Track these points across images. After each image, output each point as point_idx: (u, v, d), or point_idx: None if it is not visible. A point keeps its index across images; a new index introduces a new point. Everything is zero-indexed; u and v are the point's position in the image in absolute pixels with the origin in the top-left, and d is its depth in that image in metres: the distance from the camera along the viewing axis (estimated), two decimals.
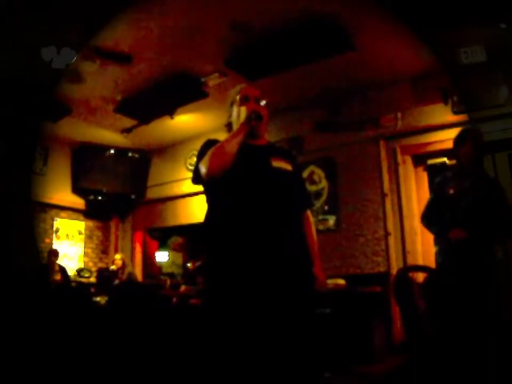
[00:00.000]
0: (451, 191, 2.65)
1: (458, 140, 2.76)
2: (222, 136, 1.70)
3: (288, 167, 1.72)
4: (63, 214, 5.95)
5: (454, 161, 4.20)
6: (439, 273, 2.73)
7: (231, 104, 1.82)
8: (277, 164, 1.69)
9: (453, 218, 2.61)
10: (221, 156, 1.57)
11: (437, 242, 2.79)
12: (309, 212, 1.82)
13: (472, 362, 2.45)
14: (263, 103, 1.79)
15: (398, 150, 4.45)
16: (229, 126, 1.82)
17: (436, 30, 3.37)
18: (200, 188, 1.74)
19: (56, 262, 5.25)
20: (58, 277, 5.14)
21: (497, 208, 2.59)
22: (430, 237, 3.65)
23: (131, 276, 5.29)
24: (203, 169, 1.59)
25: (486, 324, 2.48)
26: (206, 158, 1.59)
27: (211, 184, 1.65)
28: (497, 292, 2.61)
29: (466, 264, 2.56)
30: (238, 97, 1.79)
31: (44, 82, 4.05)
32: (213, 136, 1.78)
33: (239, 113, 1.72)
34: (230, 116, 1.82)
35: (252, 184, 1.61)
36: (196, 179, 1.69)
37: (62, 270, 5.27)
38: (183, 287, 4.87)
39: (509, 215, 2.60)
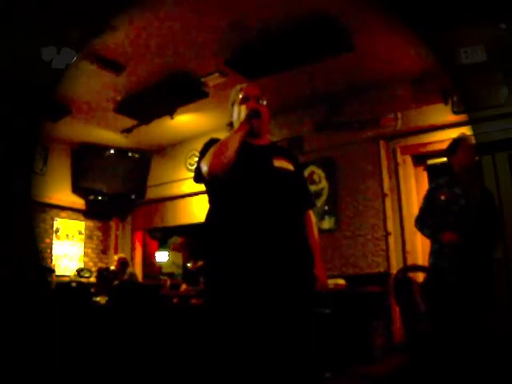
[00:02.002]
0: (442, 197, 2.81)
1: (450, 149, 2.91)
2: (223, 135, 1.70)
3: (290, 166, 1.72)
4: (63, 214, 5.95)
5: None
6: (432, 275, 2.84)
7: (232, 104, 1.82)
8: (278, 163, 1.69)
9: (444, 222, 2.74)
10: (222, 155, 1.57)
11: (431, 242, 2.92)
12: (311, 212, 1.82)
13: (468, 363, 2.47)
14: (264, 102, 1.79)
15: (398, 150, 4.44)
16: (231, 125, 1.83)
17: (436, 30, 3.37)
18: (200, 187, 1.75)
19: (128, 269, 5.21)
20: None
21: (486, 215, 2.73)
22: None
23: (131, 276, 5.29)
24: (204, 167, 1.59)
25: (476, 325, 2.52)
26: (207, 157, 1.59)
27: (212, 183, 1.65)
28: (489, 293, 2.68)
29: (457, 267, 2.67)
30: (238, 96, 1.79)
31: (43, 82, 4.06)
32: (213, 136, 1.79)
33: (240, 112, 1.72)
34: (231, 115, 1.82)
35: (253, 184, 1.61)
36: (198, 178, 1.69)
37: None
38: (183, 287, 4.87)
39: (495, 222, 2.78)
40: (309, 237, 1.73)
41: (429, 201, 2.92)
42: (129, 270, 5.31)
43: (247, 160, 1.61)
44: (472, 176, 2.86)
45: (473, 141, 2.94)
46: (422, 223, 2.94)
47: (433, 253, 2.85)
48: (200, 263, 5.18)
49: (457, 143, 2.90)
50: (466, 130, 3.99)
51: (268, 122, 1.79)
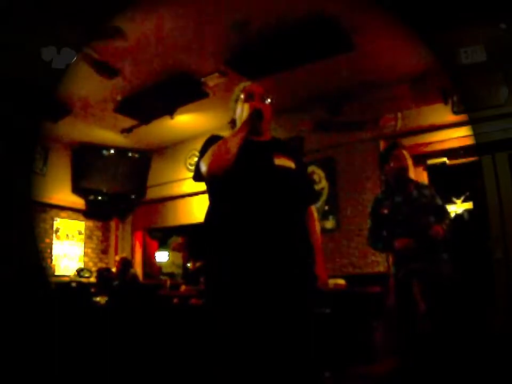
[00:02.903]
0: (385, 211, 2.84)
1: (382, 160, 2.95)
2: (224, 134, 1.69)
3: (291, 164, 1.71)
4: (63, 214, 5.95)
5: (453, 162, 4.25)
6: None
7: (236, 101, 1.81)
8: (279, 161, 1.68)
9: (394, 234, 2.76)
10: (222, 155, 1.56)
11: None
12: (313, 208, 1.80)
13: (468, 363, 2.48)
14: (268, 100, 1.78)
15: None
16: (232, 123, 1.82)
17: (435, 30, 3.37)
18: (200, 187, 1.75)
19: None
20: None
21: (431, 213, 2.77)
22: None
23: (134, 276, 5.28)
24: (203, 167, 1.58)
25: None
26: (207, 156, 1.58)
27: (212, 182, 1.65)
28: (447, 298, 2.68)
29: (416, 274, 2.70)
30: (242, 94, 1.78)
31: (44, 82, 4.05)
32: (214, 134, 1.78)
33: (243, 111, 1.71)
34: (234, 112, 1.81)
35: (252, 183, 1.61)
36: (197, 176, 1.68)
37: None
38: (183, 287, 4.87)
39: (443, 215, 2.78)
40: (311, 234, 1.72)
41: (374, 218, 2.94)
42: (132, 270, 5.31)
43: (247, 158, 1.60)
44: (407, 181, 2.89)
45: (402, 147, 2.95)
46: (373, 240, 2.96)
47: (393, 264, 2.94)
48: (199, 263, 5.18)
49: (387, 152, 2.94)
50: (466, 130, 4.01)
51: (270, 120, 1.78)
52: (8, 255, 4.57)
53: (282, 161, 1.68)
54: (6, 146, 4.78)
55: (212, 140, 1.69)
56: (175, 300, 4.35)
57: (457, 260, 2.76)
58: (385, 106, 4.50)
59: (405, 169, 2.86)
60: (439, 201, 2.89)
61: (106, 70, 3.99)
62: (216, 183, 1.63)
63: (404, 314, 2.87)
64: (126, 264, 5.18)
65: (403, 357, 2.89)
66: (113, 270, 5.32)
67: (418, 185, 2.93)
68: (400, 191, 2.85)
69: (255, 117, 1.66)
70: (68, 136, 5.72)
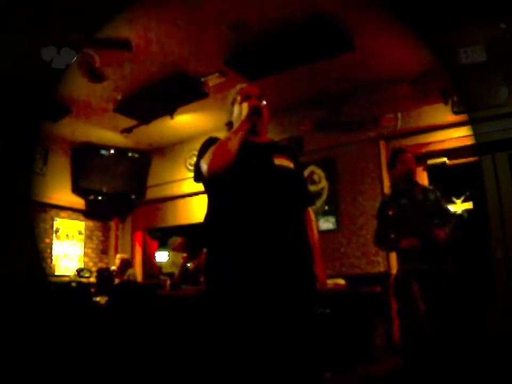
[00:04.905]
0: (390, 213, 2.97)
1: (389, 164, 3.12)
2: (223, 135, 1.69)
3: (290, 164, 1.72)
4: (63, 214, 5.95)
5: (453, 162, 4.26)
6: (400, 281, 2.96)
7: (232, 103, 1.82)
8: (278, 161, 1.68)
9: (398, 234, 2.87)
10: (223, 153, 1.56)
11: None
12: (310, 210, 1.82)
13: (467, 363, 2.49)
14: (264, 101, 1.79)
15: None
16: (229, 125, 1.83)
17: (435, 30, 3.37)
18: (200, 187, 1.74)
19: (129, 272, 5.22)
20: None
21: (435, 216, 2.87)
22: None
23: (130, 276, 5.29)
24: (204, 166, 1.58)
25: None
26: (208, 155, 1.58)
27: (212, 182, 1.65)
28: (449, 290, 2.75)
29: (416, 274, 2.78)
30: (238, 96, 1.79)
31: (43, 82, 4.05)
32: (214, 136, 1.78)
33: (241, 111, 1.72)
34: (231, 114, 1.82)
35: (252, 182, 1.61)
36: (197, 177, 1.68)
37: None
38: (183, 288, 4.86)
39: (447, 219, 2.88)
40: (309, 236, 1.73)
41: (380, 219, 3.07)
42: (129, 271, 5.31)
43: (246, 158, 1.61)
44: (414, 183, 3.02)
45: (408, 151, 3.11)
46: (379, 240, 3.10)
47: (399, 264, 3.04)
48: (194, 263, 5.18)
49: (394, 156, 3.08)
50: (466, 130, 4.01)
51: (267, 120, 1.79)
52: (8, 255, 4.57)
53: (281, 161, 1.69)
54: (6, 146, 4.78)
55: (210, 141, 1.69)
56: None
57: (459, 261, 2.79)
58: (385, 106, 4.50)
59: (412, 172, 3.00)
60: (444, 206, 3.00)
61: (93, 74, 3.99)
62: (216, 183, 1.63)
63: (404, 314, 2.88)
64: (125, 264, 5.18)
65: (403, 357, 2.90)
66: (113, 267, 5.32)
67: (424, 189, 3.03)
68: (406, 194, 2.95)
69: (255, 113, 1.67)
70: (68, 136, 5.72)
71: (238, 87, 1.85)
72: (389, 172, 3.15)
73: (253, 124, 1.67)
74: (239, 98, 1.78)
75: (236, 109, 1.78)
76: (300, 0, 3.24)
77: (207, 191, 1.72)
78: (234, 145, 1.57)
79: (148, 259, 6.66)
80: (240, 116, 1.72)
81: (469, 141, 3.99)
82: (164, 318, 3.70)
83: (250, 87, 1.83)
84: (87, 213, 6.23)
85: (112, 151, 5.98)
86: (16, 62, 3.72)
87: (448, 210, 3.02)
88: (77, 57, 3.66)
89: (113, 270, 5.26)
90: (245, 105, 1.70)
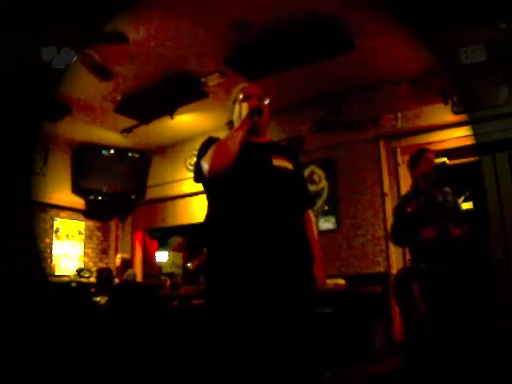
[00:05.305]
0: (409, 209, 3.03)
1: (412, 162, 3.17)
2: (223, 135, 1.69)
3: (289, 165, 1.72)
4: (63, 214, 5.95)
5: (453, 162, 4.26)
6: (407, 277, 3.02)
7: (233, 102, 1.82)
8: (277, 162, 1.68)
9: (417, 228, 2.89)
10: (224, 153, 1.56)
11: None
12: (310, 212, 1.82)
13: (467, 362, 2.49)
14: (266, 101, 1.79)
15: (398, 150, 4.44)
16: (230, 124, 1.83)
17: (436, 30, 3.37)
18: (200, 187, 1.74)
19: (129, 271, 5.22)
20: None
21: (452, 215, 2.94)
22: None
23: (129, 276, 5.28)
24: (205, 166, 1.58)
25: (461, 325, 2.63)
26: (208, 155, 1.58)
27: (212, 182, 1.64)
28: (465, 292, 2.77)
29: (435, 269, 2.80)
30: (240, 95, 1.79)
31: (43, 82, 4.05)
32: (213, 136, 1.78)
33: (241, 110, 1.72)
34: (232, 113, 1.82)
35: (252, 183, 1.61)
36: (198, 177, 1.68)
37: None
38: (183, 288, 4.87)
39: (462, 222, 2.92)
40: (308, 236, 1.73)
41: (398, 215, 3.13)
42: (129, 271, 5.31)
43: (246, 159, 1.60)
44: (433, 184, 3.08)
45: (432, 152, 3.20)
46: (395, 236, 3.15)
47: (412, 260, 3.09)
48: (194, 262, 5.18)
49: (419, 154, 3.15)
50: (466, 130, 4.01)
51: (268, 121, 1.79)
52: (8, 255, 4.57)
53: (280, 162, 1.69)
54: (6, 146, 4.78)
55: (210, 141, 1.69)
56: (175, 303, 4.32)
57: (465, 263, 2.83)
58: (385, 106, 4.50)
59: (435, 171, 3.09)
60: (461, 209, 3.10)
61: (102, 71, 3.99)
62: (216, 183, 1.62)
63: (404, 314, 2.88)
64: (125, 264, 5.18)
65: (403, 357, 2.90)
66: (115, 266, 5.32)
67: (443, 191, 3.09)
68: (427, 194, 3.02)
69: (255, 112, 1.67)
70: (68, 136, 5.72)
71: (240, 86, 1.85)
72: (410, 170, 3.22)
73: (252, 124, 1.67)
74: (240, 97, 1.79)
75: (237, 108, 1.78)
76: (300, 0, 3.24)
77: (206, 191, 1.72)
78: (234, 145, 1.57)
79: (148, 259, 6.66)
80: (240, 116, 1.72)
81: (469, 141, 4.00)
82: (164, 318, 3.70)
83: (251, 87, 1.83)
84: (87, 213, 6.23)
85: (112, 151, 5.98)
86: (16, 62, 3.72)
87: (465, 215, 3.09)
88: (80, 56, 3.67)
89: (114, 269, 5.26)
90: (245, 105, 1.71)
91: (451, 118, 4.13)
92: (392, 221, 3.23)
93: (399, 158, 4.43)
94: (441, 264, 2.79)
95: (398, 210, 3.16)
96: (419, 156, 3.14)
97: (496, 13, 3.21)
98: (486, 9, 3.16)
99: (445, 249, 2.80)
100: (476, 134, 3.92)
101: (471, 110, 3.97)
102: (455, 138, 4.09)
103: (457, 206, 3.07)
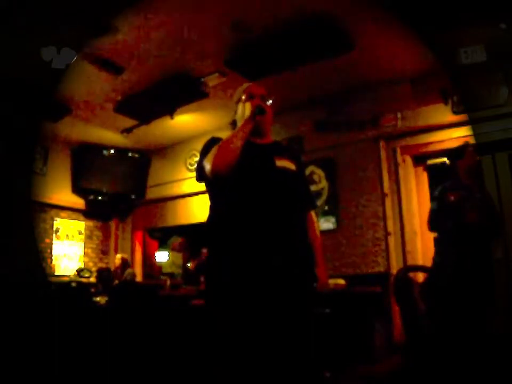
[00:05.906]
0: (452, 198, 2.96)
1: (457, 154, 3.14)
2: (224, 135, 1.69)
3: (292, 166, 1.71)
4: (63, 214, 5.95)
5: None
6: (437, 274, 2.95)
7: (237, 102, 1.82)
8: (280, 163, 1.68)
9: (458, 219, 2.87)
10: (226, 152, 1.55)
11: (437, 243, 3.06)
12: (312, 213, 1.82)
13: (468, 362, 2.48)
14: (269, 101, 1.79)
15: (398, 150, 4.44)
16: (233, 123, 1.83)
17: (436, 30, 3.37)
18: (200, 187, 1.74)
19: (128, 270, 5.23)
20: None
21: (487, 216, 2.94)
22: (430, 237, 3.66)
23: (132, 276, 5.29)
24: (208, 166, 1.57)
25: (476, 325, 2.59)
26: (211, 155, 1.58)
27: (215, 182, 1.64)
28: (489, 293, 2.81)
29: (464, 265, 2.78)
30: (243, 95, 1.79)
31: (43, 82, 4.05)
32: (215, 136, 1.78)
33: (244, 110, 1.72)
34: (235, 113, 1.82)
35: (254, 184, 1.60)
36: (200, 177, 1.68)
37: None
38: (183, 288, 4.87)
39: (497, 220, 2.98)
40: (311, 237, 1.73)
41: (440, 202, 3.05)
42: (128, 270, 5.31)
43: (249, 159, 1.60)
44: (474, 179, 3.05)
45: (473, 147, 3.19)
46: (434, 224, 3.08)
47: (439, 253, 3.00)
48: (194, 262, 5.18)
49: (463, 148, 3.12)
50: (466, 130, 4.01)
51: (271, 121, 1.79)
52: (8, 255, 4.57)
53: (283, 163, 1.69)
54: (6, 146, 4.78)
55: (212, 141, 1.69)
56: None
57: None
58: (385, 106, 4.50)
59: (477, 165, 3.11)
60: (496, 210, 3.13)
61: (111, 66, 3.98)
62: (219, 182, 1.62)
63: (404, 314, 2.88)
64: (125, 264, 5.19)
65: (403, 356, 2.90)
66: (115, 265, 5.32)
67: (481, 187, 3.13)
68: (467, 188, 3.01)
69: (258, 112, 1.67)
70: (68, 136, 5.72)
71: (244, 86, 1.85)
72: (453, 162, 3.21)
73: (255, 123, 1.67)
74: (243, 97, 1.78)
75: (240, 108, 1.78)
76: (300, 0, 3.24)
77: (209, 191, 1.72)
78: (237, 145, 1.57)
79: (148, 259, 6.66)
80: (243, 114, 1.72)
81: (469, 141, 3.99)
82: (164, 318, 3.70)
83: (255, 87, 1.82)
84: (87, 213, 6.24)
85: (112, 151, 5.98)
86: (16, 62, 3.72)
87: (498, 215, 3.12)
88: (88, 54, 3.66)
89: (113, 269, 5.27)
90: (248, 105, 1.70)
91: (451, 118, 4.13)
92: (432, 207, 3.15)
93: (399, 158, 4.43)
94: (469, 250, 2.80)
95: (439, 198, 3.10)
96: (464, 149, 3.12)
97: (496, 13, 3.21)
98: (486, 9, 3.16)
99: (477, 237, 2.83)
100: (475, 134, 3.92)
101: (471, 110, 3.97)
102: (455, 138, 4.08)
103: (493, 205, 3.09)
